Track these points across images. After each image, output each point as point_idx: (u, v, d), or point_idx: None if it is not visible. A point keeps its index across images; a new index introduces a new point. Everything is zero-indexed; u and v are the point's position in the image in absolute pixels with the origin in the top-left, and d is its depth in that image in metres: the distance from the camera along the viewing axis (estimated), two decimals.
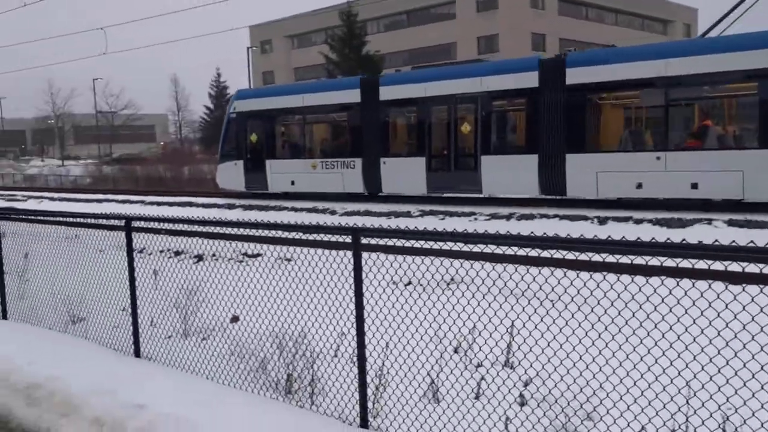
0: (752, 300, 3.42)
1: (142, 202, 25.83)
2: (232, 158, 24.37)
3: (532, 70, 17.87)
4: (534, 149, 17.89)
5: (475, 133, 19.15)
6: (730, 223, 13.62)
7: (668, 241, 3.45)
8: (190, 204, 23.50)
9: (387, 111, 20.86)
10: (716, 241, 3.29)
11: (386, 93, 20.71)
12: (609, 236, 3.62)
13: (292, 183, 22.91)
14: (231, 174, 24.40)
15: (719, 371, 3.67)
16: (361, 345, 4.76)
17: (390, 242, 4.96)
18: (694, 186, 15.61)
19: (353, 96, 21.30)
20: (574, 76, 17.01)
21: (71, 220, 7.86)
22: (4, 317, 8.46)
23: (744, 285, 3.48)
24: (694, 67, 15.45)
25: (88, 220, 7.42)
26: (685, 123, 16.53)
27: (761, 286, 3.40)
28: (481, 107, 18.93)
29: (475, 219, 16.49)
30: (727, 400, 3.64)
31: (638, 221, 14.56)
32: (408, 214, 17.76)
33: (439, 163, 20.01)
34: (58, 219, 8.27)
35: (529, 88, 17.88)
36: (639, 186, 16.34)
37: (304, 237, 10.44)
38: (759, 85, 14.83)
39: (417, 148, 20.35)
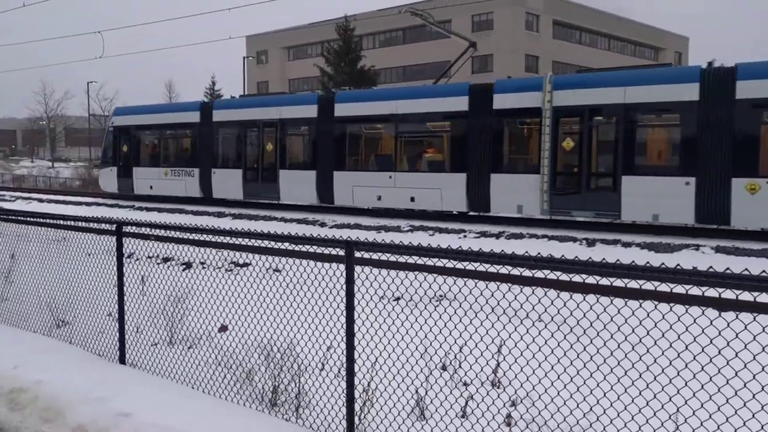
0: (745, 327, 3.42)
1: (131, 206, 25.68)
2: (108, 165, 29.21)
3: (312, 103, 22.56)
4: (313, 167, 22.45)
5: (275, 152, 23.59)
6: (718, 249, 13.72)
7: (663, 266, 3.46)
8: (180, 211, 23.40)
9: (218, 131, 25.28)
10: (711, 267, 3.30)
11: (217, 116, 25.27)
12: (603, 259, 3.63)
13: (151, 187, 27.48)
14: (108, 178, 29.21)
15: (710, 398, 3.67)
16: (350, 359, 4.72)
17: (382, 256, 4.93)
18: (412, 199, 20.27)
19: (194, 117, 26.02)
20: (341, 110, 21.76)
21: (60, 222, 7.79)
22: None
23: (737, 312, 3.49)
24: (413, 108, 20.37)
25: (78, 223, 7.35)
26: (409, 151, 21.05)
27: (755, 314, 3.40)
28: (280, 131, 23.40)
29: (465, 236, 16.52)
30: (719, 428, 3.63)
31: (626, 244, 14.63)
32: (398, 229, 17.77)
33: (251, 174, 24.32)
34: (46, 221, 8.19)
35: (309, 118, 22.49)
36: (379, 198, 20.96)
37: (294, 248, 10.39)
38: (451, 124, 19.84)
39: (236, 162, 24.79)
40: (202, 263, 9.86)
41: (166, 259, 11.06)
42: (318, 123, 22.24)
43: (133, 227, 6.55)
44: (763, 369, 3.42)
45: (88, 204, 27.09)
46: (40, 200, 29.90)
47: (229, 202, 25.37)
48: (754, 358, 3.41)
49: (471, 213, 19.73)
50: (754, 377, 3.45)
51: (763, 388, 3.45)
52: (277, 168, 23.32)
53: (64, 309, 7.57)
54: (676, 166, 16.44)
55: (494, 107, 18.62)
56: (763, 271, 3.23)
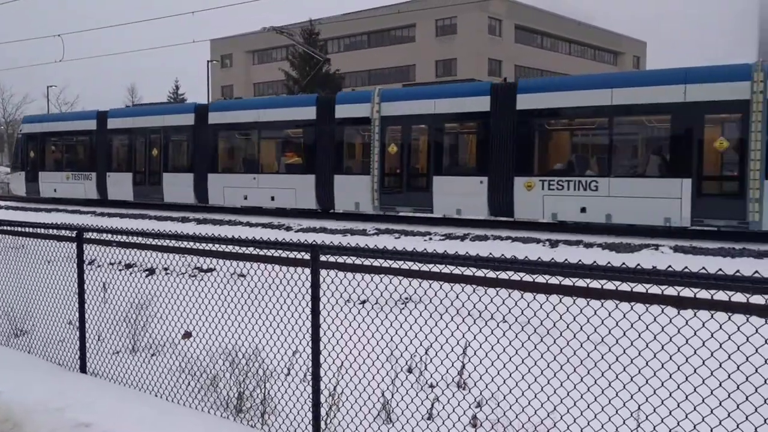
0: (703, 325, 3.50)
1: (92, 212, 25.22)
2: (18, 169, 31.37)
3: (189, 112, 24.84)
4: (191, 170, 24.56)
5: (159, 157, 25.54)
6: (676, 249, 14.00)
7: (623, 265, 3.52)
8: (143, 216, 23.06)
9: (112, 137, 27.29)
10: (669, 266, 3.37)
11: (111, 124, 27.22)
12: (566, 259, 3.67)
13: (55, 190, 29.34)
14: (17, 182, 31.37)
15: (670, 395, 3.74)
16: (316, 364, 4.70)
17: (347, 260, 4.92)
18: (273, 198, 22.35)
19: (92, 125, 27.93)
20: (214, 119, 23.96)
21: (18, 229, 7.60)
22: None
23: (695, 310, 3.57)
24: (272, 116, 22.55)
25: (37, 230, 7.19)
26: (269, 155, 23.32)
27: (712, 311, 3.48)
28: (164, 137, 25.43)
29: (430, 239, 16.58)
30: (678, 424, 3.70)
31: (588, 245, 14.84)
32: (364, 232, 17.77)
33: (140, 178, 26.23)
34: (3, 227, 7.99)
35: (187, 125, 24.72)
36: (245, 197, 23.09)
37: (259, 252, 10.32)
38: (303, 131, 22.08)
39: (127, 166, 26.74)
40: (166, 269, 9.73)
41: (128, 266, 10.88)
42: (195, 130, 24.46)
43: (95, 233, 6.43)
44: (720, 365, 3.51)
45: (47, 210, 26.50)
46: (47, 210, 29.14)
47: (130, 203, 27.37)
48: (712, 355, 3.50)
49: (320, 210, 22.03)
50: (711, 374, 3.53)
51: (720, 384, 3.54)
52: (161, 171, 25.48)
53: (22, 318, 7.40)
54: (473, 167, 18.93)
55: (336, 116, 20.91)
56: (719, 269, 3.31)
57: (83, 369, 6.35)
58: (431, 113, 19.20)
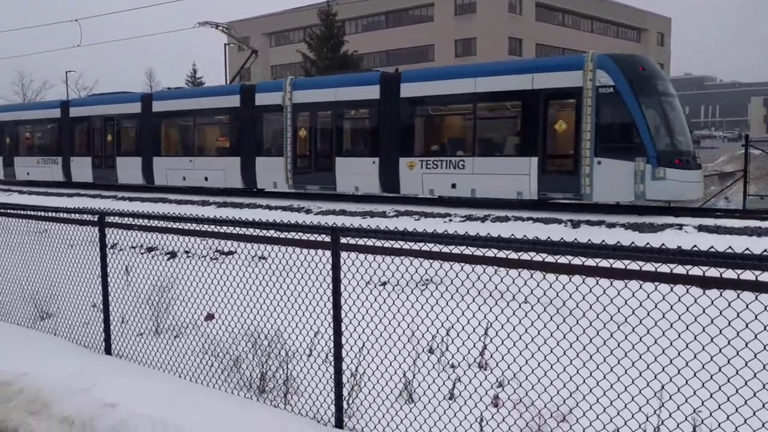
0: (729, 305, 3.45)
1: (114, 197, 25.45)
2: None
3: (137, 101, 26.97)
4: (139, 154, 26.60)
5: (114, 142, 27.90)
6: (701, 228, 13.83)
7: (648, 245, 3.47)
8: (163, 200, 23.23)
9: (74, 125, 29.62)
10: (695, 246, 3.32)
11: (73, 112, 29.62)
12: (589, 240, 3.64)
13: (28, 174, 32.22)
14: None
15: (695, 375, 3.70)
16: (337, 345, 4.72)
17: (368, 242, 4.92)
18: (206, 179, 24.35)
19: (56, 113, 30.42)
20: (158, 106, 26.08)
21: (41, 213, 7.69)
22: None
23: (721, 290, 3.52)
24: (205, 104, 24.44)
25: (60, 215, 7.27)
26: (203, 140, 25.46)
27: (738, 291, 3.43)
28: (117, 124, 27.64)
29: (450, 220, 16.54)
30: (702, 404, 3.67)
31: (611, 225, 14.72)
32: (383, 214, 17.76)
33: (98, 161, 28.67)
34: (27, 212, 8.09)
35: (135, 113, 26.75)
36: (183, 178, 25.16)
37: (280, 235, 10.35)
38: (229, 117, 24.01)
39: (87, 151, 29.03)
40: (187, 252, 9.80)
41: (150, 249, 10.98)
42: (141, 117, 26.58)
43: (116, 217, 6.49)
44: (746, 345, 3.46)
45: (69, 195, 26.80)
46: (21, 192, 29.56)
47: (90, 185, 29.60)
48: (738, 335, 3.45)
49: (245, 189, 23.84)
50: (737, 353, 3.48)
51: (746, 364, 3.50)
52: (115, 156, 27.79)
53: (47, 301, 7.50)
54: (367, 149, 20.92)
55: (256, 104, 22.93)
56: (746, 248, 3.25)
57: (108, 350, 6.44)
58: (333, 101, 21.23)
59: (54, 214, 7.44)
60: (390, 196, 20.67)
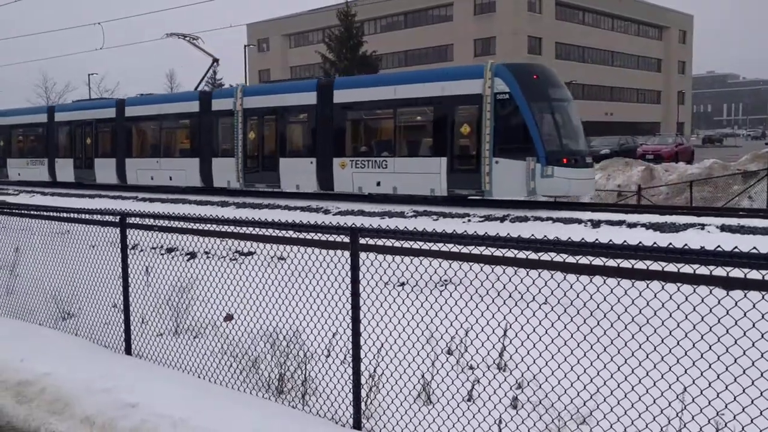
0: (754, 306, 3.39)
1: (134, 198, 25.67)
2: None
3: (112, 107, 28.91)
4: (114, 156, 28.60)
5: (92, 144, 29.81)
6: (723, 228, 13.63)
7: (670, 246, 3.42)
8: (183, 201, 23.38)
9: (58, 128, 31.49)
10: (719, 246, 3.26)
11: (57, 117, 31.76)
12: (611, 240, 3.59)
13: (19, 174, 34.21)
14: None
15: (718, 377, 3.64)
16: (356, 345, 4.71)
17: (386, 242, 4.91)
18: (170, 178, 26.28)
19: (43, 118, 32.43)
20: (130, 112, 28.14)
21: (64, 215, 7.77)
22: None
23: (746, 291, 3.46)
24: (169, 110, 26.51)
25: (81, 216, 7.34)
26: (168, 142, 27.13)
27: (763, 292, 3.37)
28: (94, 128, 29.59)
29: (469, 220, 16.46)
30: (726, 407, 3.60)
31: (631, 225, 14.55)
32: (402, 215, 17.73)
33: (78, 162, 30.52)
34: (50, 213, 8.17)
35: (110, 118, 28.64)
36: (152, 178, 27.03)
37: (299, 236, 10.37)
38: (190, 121, 25.68)
39: (70, 153, 31.13)
40: (207, 253, 9.86)
41: (170, 250, 11.04)
42: (116, 122, 28.50)
43: (137, 218, 6.53)
44: None
45: (90, 196, 27.09)
46: (43, 193, 29.91)
47: (73, 184, 31.18)
48: (762, 337, 3.38)
49: (204, 187, 25.43)
50: (762, 355, 3.42)
51: None
52: (93, 157, 29.72)
53: (69, 301, 7.58)
54: (305, 150, 22.53)
55: (212, 109, 24.75)
56: None
57: (128, 351, 6.49)
58: (277, 106, 22.94)
59: (76, 215, 7.50)
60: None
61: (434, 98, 19.19)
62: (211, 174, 24.92)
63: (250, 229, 5.56)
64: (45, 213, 8.25)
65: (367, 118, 21.54)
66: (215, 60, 27.78)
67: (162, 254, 9.46)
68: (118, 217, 6.52)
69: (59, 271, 7.60)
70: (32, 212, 8.39)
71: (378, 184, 20.45)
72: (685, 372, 3.75)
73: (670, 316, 3.72)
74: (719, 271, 3.37)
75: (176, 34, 28.23)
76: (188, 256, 10.52)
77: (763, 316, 3.35)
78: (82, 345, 6.73)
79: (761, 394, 3.44)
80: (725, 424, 3.94)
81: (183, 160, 26.09)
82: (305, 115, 22.45)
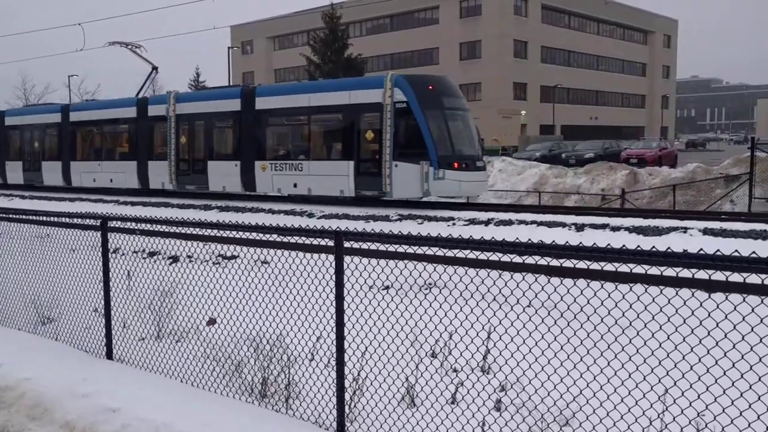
0: (734, 309, 3.41)
1: (116, 201, 25.48)
2: None
3: (57, 112, 30.34)
4: (59, 159, 29.82)
5: (40, 148, 31.07)
6: (705, 231, 13.74)
7: (653, 249, 3.43)
8: (165, 204, 23.24)
9: (7, 132, 33.01)
10: (701, 250, 3.28)
11: (7, 121, 32.99)
12: (594, 243, 3.60)
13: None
14: None
15: (699, 379, 3.66)
16: (340, 349, 4.69)
17: (370, 246, 4.89)
18: (111, 180, 27.67)
19: None
20: (74, 117, 29.50)
21: (44, 218, 7.68)
22: None
23: (727, 294, 3.48)
24: (109, 115, 27.94)
25: (62, 219, 7.26)
26: (110, 146, 28.55)
27: (744, 295, 3.39)
28: (41, 132, 31.05)
29: (454, 224, 16.47)
30: (707, 408, 3.62)
31: (615, 228, 14.62)
32: (386, 218, 17.72)
33: (27, 165, 32.01)
34: (29, 217, 8.08)
35: (55, 122, 30.10)
36: (94, 180, 28.37)
37: (282, 239, 10.32)
38: (128, 126, 27.24)
39: (19, 156, 32.40)
40: (189, 257, 9.79)
41: (152, 254, 10.98)
42: (61, 126, 29.71)
43: (119, 222, 6.47)
44: (751, 349, 3.42)
45: (71, 200, 26.87)
46: (23, 197, 29.60)
47: (21, 186, 32.43)
48: (743, 338, 3.41)
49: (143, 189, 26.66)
50: (742, 357, 3.44)
51: (751, 368, 3.45)
52: (41, 160, 31.00)
53: (49, 306, 7.49)
54: (231, 154, 23.89)
55: (148, 114, 26.11)
56: (753, 252, 3.21)
57: (109, 355, 6.42)
58: (206, 112, 24.37)
59: (56, 219, 7.42)
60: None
61: (343, 106, 20.70)
62: (148, 176, 26.28)
63: (234, 232, 5.52)
64: (24, 216, 8.15)
65: (285, 124, 23.05)
66: (154, 68, 29.04)
67: (144, 258, 9.40)
68: (99, 221, 6.45)
69: (39, 275, 7.51)
70: (11, 216, 8.28)
71: (295, 185, 21.86)
72: (667, 374, 3.77)
73: (653, 318, 3.73)
74: (701, 274, 3.39)
75: (118, 43, 29.62)
76: (170, 260, 10.45)
77: (743, 319, 3.37)
78: (62, 350, 6.66)
79: (741, 395, 3.46)
80: (706, 425, 3.95)
81: (122, 163, 27.48)
82: (231, 120, 23.94)
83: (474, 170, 19.57)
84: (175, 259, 10.47)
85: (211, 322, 6.43)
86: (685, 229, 14.07)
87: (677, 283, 3.91)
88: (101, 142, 29.00)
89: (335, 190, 20.80)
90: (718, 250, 3.18)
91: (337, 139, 21.64)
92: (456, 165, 18.98)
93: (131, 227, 6.47)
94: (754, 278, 3.25)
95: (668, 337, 3.72)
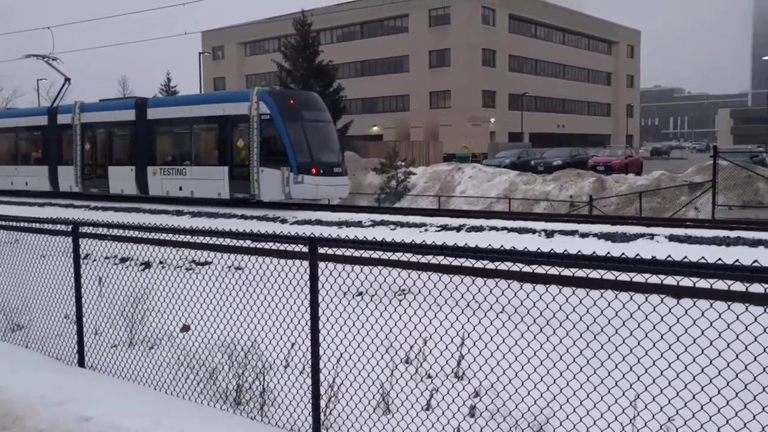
0: (702, 314, 3.51)
1: (86, 206, 25.10)
2: None
3: None
4: None
5: None
6: (671, 238, 14.02)
7: (623, 255, 3.52)
8: (137, 210, 22.97)
9: None
10: (669, 256, 3.37)
11: None
12: (565, 250, 3.68)
13: None
14: None
15: (669, 384, 3.76)
16: (315, 355, 4.70)
17: (345, 252, 4.92)
18: (27, 183, 30.06)
19: None
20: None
21: (13, 223, 7.57)
22: None
23: (695, 299, 3.58)
24: (26, 123, 30.49)
25: (32, 225, 7.16)
26: (26, 151, 31.07)
27: (711, 300, 3.50)
28: None
29: (426, 230, 16.56)
30: (677, 412, 3.72)
31: (584, 235, 14.83)
32: (359, 224, 17.74)
33: None
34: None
35: None
36: (12, 183, 30.71)
37: (256, 245, 10.30)
38: (41, 134, 29.51)
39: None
40: (162, 262, 9.70)
41: (124, 260, 10.85)
42: None
43: (90, 227, 6.41)
44: (719, 354, 3.52)
45: (41, 205, 26.40)
46: None
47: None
48: (711, 344, 3.51)
49: (52, 191, 28.67)
50: (710, 362, 3.54)
51: (719, 373, 3.56)
52: None
53: (18, 312, 7.37)
54: (128, 159, 25.98)
55: (57, 123, 28.35)
56: (719, 258, 3.31)
57: (81, 363, 6.34)
58: (106, 121, 26.60)
59: (26, 224, 7.32)
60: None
61: (218, 117, 22.97)
62: (57, 180, 28.52)
63: (207, 238, 5.50)
64: None
65: (172, 132, 25.35)
66: (67, 80, 30.26)
67: (116, 264, 9.30)
68: (70, 226, 6.38)
69: (8, 281, 7.39)
70: None
71: (180, 188, 24.00)
72: (638, 379, 3.86)
73: (624, 324, 3.83)
74: (670, 280, 3.48)
75: (34, 55, 31.18)
76: (143, 266, 10.36)
77: (711, 324, 3.48)
78: (33, 357, 6.56)
79: (710, 399, 3.56)
80: (676, 430, 4.06)
81: (36, 168, 29.87)
82: (127, 129, 26.08)
83: (332, 175, 21.68)
84: (147, 264, 10.38)
85: (185, 328, 6.40)
86: (652, 236, 14.33)
87: (646, 289, 4.01)
88: (17, 147, 31.40)
89: (213, 193, 22.92)
90: (686, 257, 3.28)
91: (214, 147, 23.72)
92: (314, 171, 21.11)
93: (103, 233, 6.40)
94: (720, 284, 3.36)
95: (638, 343, 3.82)
